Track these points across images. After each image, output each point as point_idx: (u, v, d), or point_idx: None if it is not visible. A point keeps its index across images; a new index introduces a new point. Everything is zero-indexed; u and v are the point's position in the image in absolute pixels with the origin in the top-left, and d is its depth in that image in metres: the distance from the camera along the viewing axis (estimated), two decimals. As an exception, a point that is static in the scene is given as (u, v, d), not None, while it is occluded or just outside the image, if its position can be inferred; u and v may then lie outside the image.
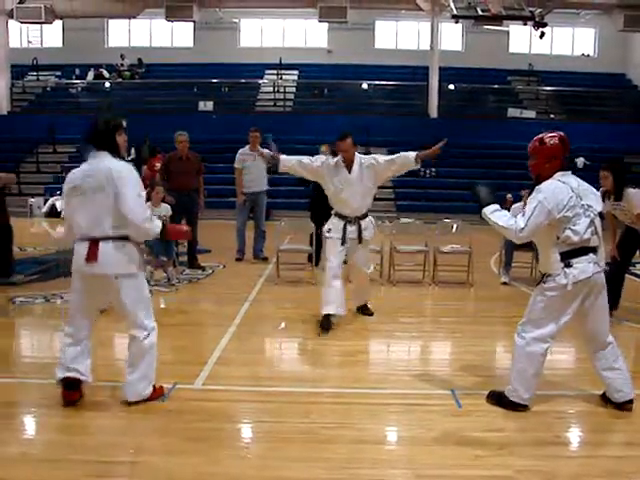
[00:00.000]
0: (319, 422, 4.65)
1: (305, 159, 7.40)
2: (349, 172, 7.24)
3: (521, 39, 26.74)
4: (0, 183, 9.15)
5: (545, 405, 5.07)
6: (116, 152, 4.76)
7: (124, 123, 4.88)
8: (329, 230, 7.33)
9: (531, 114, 24.14)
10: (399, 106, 24.08)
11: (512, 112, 24.04)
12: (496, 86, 25.34)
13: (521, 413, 4.92)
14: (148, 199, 10.39)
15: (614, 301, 7.47)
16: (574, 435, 4.78)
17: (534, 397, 4.97)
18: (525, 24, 19.47)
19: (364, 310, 7.98)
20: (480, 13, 18.66)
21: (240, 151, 11.36)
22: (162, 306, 8.40)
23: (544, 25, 18.67)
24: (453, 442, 4.37)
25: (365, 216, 7.38)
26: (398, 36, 28.43)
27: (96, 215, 4.64)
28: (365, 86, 25.36)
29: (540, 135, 4.96)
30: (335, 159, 7.36)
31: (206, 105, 23.83)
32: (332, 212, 7.40)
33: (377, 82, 24.96)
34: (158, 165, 10.99)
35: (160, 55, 26.88)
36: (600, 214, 4.89)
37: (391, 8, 24.90)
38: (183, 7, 22.17)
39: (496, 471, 3.99)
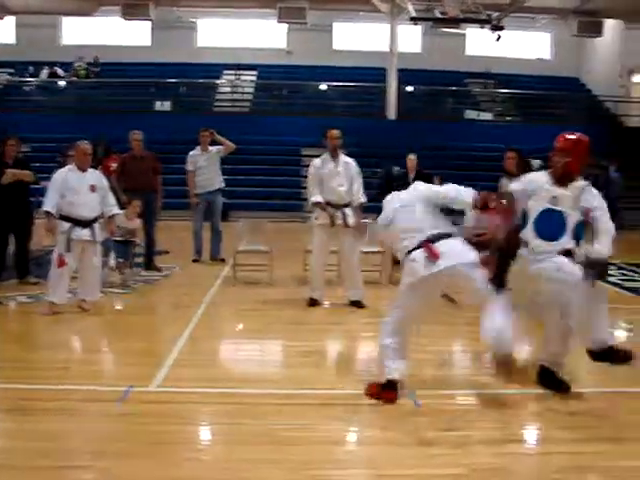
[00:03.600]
0: (277, 424, 4.63)
1: (315, 184, 8.27)
2: (335, 164, 8.25)
3: (478, 42, 27.02)
4: (10, 179, 8.92)
5: (501, 404, 5.12)
6: None
7: None
8: (317, 217, 8.22)
9: (488, 116, 24.40)
10: (357, 107, 24.14)
11: (469, 114, 24.27)
12: (454, 88, 25.55)
13: (477, 412, 4.96)
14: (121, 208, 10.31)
15: None
16: (529, 433, 4.84)
17: (492, 397, 5.02)
18: (482, 27, 19.66)
19: (358, 305, 8.24)
20: (438, 16, 18.81)
21: (191, 153, 11.27)
22: (119, 308, 8.30)
23: (501, 29, 18.87)
24: (411, 441, 4.38)
25: (348, 205, 8.23)
26: (357, 38, 28.52)
27: None
28: (324, 87, 25.38)
29: (567, 134, 5.10)
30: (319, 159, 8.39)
31: (163, 105, 23.62)
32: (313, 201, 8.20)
33: (336, 83, 24.99)
34: (114, 166, 10.87)
35: (116, 54, 26.55)
36: None
37: (350, 10, 24.96)
38: (140, 5, 21.93)
39: (452, 470, 4.01)
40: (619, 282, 10.49)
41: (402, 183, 11.87)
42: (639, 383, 5.61)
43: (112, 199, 8.10)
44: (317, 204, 8.16)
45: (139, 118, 20.14)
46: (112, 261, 9.30)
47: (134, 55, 26.58)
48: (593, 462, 4.14)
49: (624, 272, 11.49)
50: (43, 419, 4.64)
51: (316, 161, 8.38)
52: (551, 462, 4.15)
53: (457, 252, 4.92)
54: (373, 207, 6.93)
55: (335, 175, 8.24)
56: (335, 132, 8.36)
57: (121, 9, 21.95)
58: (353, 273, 8.32)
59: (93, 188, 7.75)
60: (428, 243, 4.92)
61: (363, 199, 8.35)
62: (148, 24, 25.91)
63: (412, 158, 11.57)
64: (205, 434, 4.71)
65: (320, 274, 8.45)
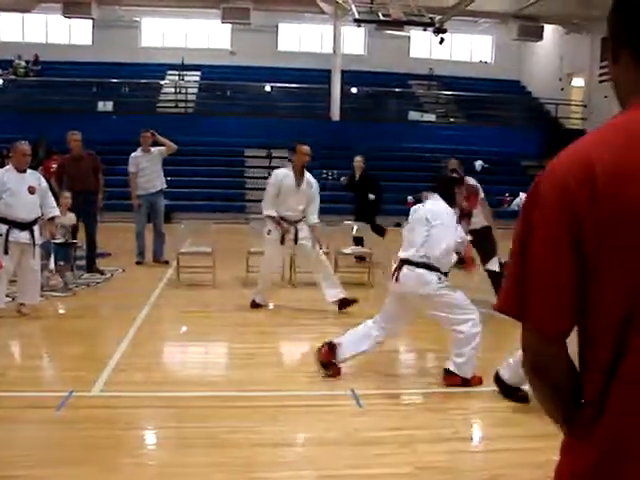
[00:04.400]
0: (219, 426, 4.59)
1: (272, 194, 8.02)
2: (298, 182, 7.97)
3: (422, 44, 27.29)
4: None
5: (445, 402, 5.18)
6: None
7: None
8: (269, 232, 8.01)
9: (431, 118, 24.66)
10: (301, 108, 24.15)
11: (413, 115, 24.48)
12: (397, 90, 25.75)
13: (421, 411, 5.01)
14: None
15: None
16: (474, 430, 4.91)
17: (435, 395, 5.08)
18: (425, 30, 19.85)
19: (346, 304, 8.02)
20: (381, 18, 18.91)
21: (132, 155, 11.10)
22: (60, 312, 8.15)
23: (444, 31, 19.07)
24: (354, 442, 4.39)
25: (300, 221, 8.06)
26: (301, 39, 28.55)
27: None
28: (268, 88, 25.32)
29: None
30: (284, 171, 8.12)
31: (106, 105, 23.25)
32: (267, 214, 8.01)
33: (280, 84, 24.96)
34: (54, 167, 10.67)
35: (57, 52, 26.04)
36: None
37: (294, 11, 24.96)
38: (81, 3, 21.59)
39: (397, 469, 4.04)
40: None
41: (349, 186, 12.00)
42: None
43: (52, 201, 7.94)
44: (271, 218, 7.96)
45: (81, 118, 19.80)
46: (52, 264, 9.12)
47: (75, 54, 26.11)
48: (534, 458, 4.21)
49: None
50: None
51: (279, 172, 8.14)
52: (496, 458, 4.21)
53: (412, 283, 5.31)
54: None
55: (296, 194, 7.96)
56: (306, 148, 8.03)
57: (62, 6, 21.58)
58: (326, 274, 8.14)
59: (32, 189, 7.57)
60: (400, 264, 5.43)
61: (316, 221, 8.12)
62: (89, 23, 25.45)
63: (359, 160, 11.65)
64: (148, 438, 4.65)
65: (269, 282, 8.36)
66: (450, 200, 5.51)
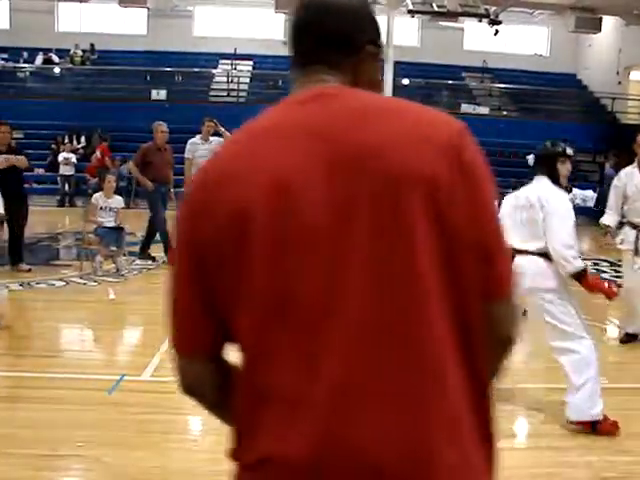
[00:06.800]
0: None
1: None
2: None
3: (476, 36, 26.96)
4: (4, 165, 8.86)
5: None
6: None
7: None
8: None
9: (484, 110, 24.39)
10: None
11: (465, 108, 24.23)
12: (450, 82, 25.52)
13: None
14: (100, 189, 10.31)
15: None
16: (516, 427, 4.84)
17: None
18: (480, 21, 19.62)
19: None
20: (436, 9, 18.75)
21: (191, 141, 11.13)
22: (111, 297, 8.27)
23: (499, 23, 18.84)
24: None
25: None
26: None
27: None
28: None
29: None
30: None
31: (159, 94, 23.52)
32: None
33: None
34: (98, 153, 10.79)
35: (112, 42, 26.40)
36: None
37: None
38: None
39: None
40: (613, 279, 10.48)
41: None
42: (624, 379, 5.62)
43: None
44: None
45: (134, 107, 20.09)
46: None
47: (131, 43, 26.45)
48: (577, 458, 4.15)
49: (617, 269, 11.47)
50: (34, 407, 4.62)
51: None
52: (540, 457, 4.16)
53: None
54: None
55: None
56: None
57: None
58: None
59: None
60: None
61: None
62: (144, 12, 25.73)
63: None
64: (197, 423, 4.69)
65: None
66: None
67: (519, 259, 4.37)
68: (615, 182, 6.79)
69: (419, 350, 1.23)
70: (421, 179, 1.23)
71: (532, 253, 4.50)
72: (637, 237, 6.44)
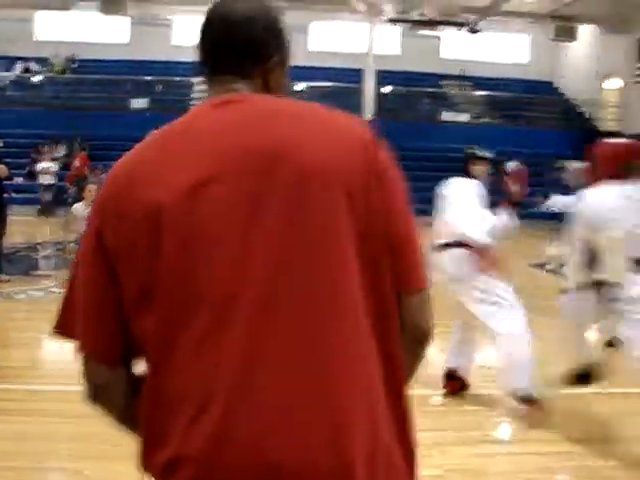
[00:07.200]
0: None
1: None
2: None
3: (454, 44, 27.12)
4: None
5: (474, 404, 5.14)
6: None
7: None
8: None
9: (464, 118, 24.53)
10: (334, 108, 24.08)
11: (446, 116, 24.38)
12: (430, 90, 25.64)
13: (451, 413, 4.98)
14: (79, 198, 10.27)
15: None
16: (503, 433, 4.87)
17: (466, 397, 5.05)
18: (459, 30, 19.79)
19: None
20: (416, 18, 18.89)
21: None
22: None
23: (478, 31, 19.01)
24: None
25: None
26: (333, 38, 28.48)
27: None
28: (300, 87, 25.34)
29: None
30: None
31: (139, 103, 23.45)
32: None
33: (313, 84, 24.95)
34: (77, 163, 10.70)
35: (93, 51, 26.29)
36: None
37: (327, 10, 24.93)
38: (118, 1, 21.77)
39: (426, 471, 3.99)
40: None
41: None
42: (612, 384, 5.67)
43: None
44: None
45: (115, 116, 20.03)
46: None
47: (112, 52, 26.36)
48: (565, 462, 4.17)
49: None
50: (14, 419, 4.57)
51: None
52: (527, 462, 4.18)
53: None
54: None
55: None
56: None
57: (99, 5, 21.78)
58: None
59: None
60: None
61: None
62: (127, 20, 25.66)
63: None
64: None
65: None
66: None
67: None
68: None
69: (326, 347, 1.24)
70: (334, 175, 1.28)
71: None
72: None
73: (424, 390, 5.45)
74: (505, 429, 4.93)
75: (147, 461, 1.32)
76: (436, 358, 6.00)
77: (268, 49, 1.49)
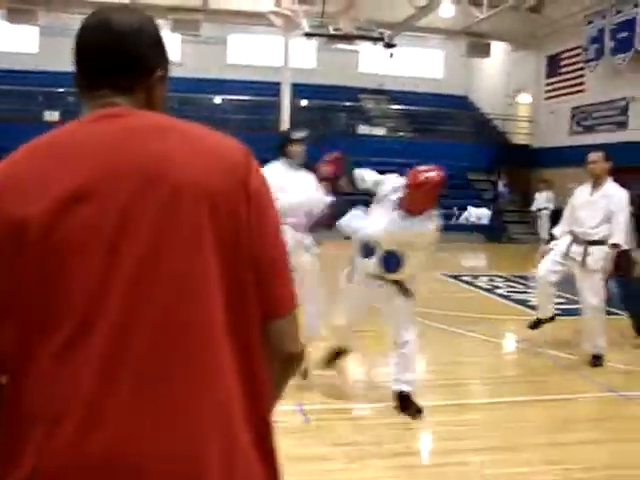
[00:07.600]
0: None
1: None
2: None
3: (372, 59, 27.41)
4: None
5: (394, 418, 5.12)
6: None
7: None
8: None
9: (381, 131, 24.79)
10: (251, 122, 24.01)
11: (362, 129, 24.58)
12: (347, 104, 25.83)
13: (370, 426, 4.95)
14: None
15: None
16: (424, 445, 4.86)
17: (384, 410, 5.03)
18: (375, 44, 19.97)
19: None
20: (332, 32, 18.97)
21: None
22: None
23: (393, 46, 19.22)
24: (302, 458, 4.28)
25: None
26: (251, 51, 28.42)
27: None
28: (218, 101, 25.19)
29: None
30: None
31: (52, 115, 22.83)
32: None
33: (230, 97, 24.83)
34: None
35: (1, 60, 25.50)
36: None
37: (245, 23, 24.88)
38: (27, 10, 21.20)
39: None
40: (507, 294, 10.80)
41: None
42: (531, 392, 5.75)
43: None
44: None
45: (26, 128, 19.40)
46: None
47: (20, 62, 25.61)
48: (484, 471, 4.19)
49: (511, 284, 11.84)
50: None
51: None
52: (448, 473, 4.17)
53: None
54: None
55: None
56: None
57: (6, 13, 21.18)
58: None
59: None
60: None
61: None
62: (36, 30, 25.00)
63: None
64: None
65: None
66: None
67: None
68: (571, 198, 7.00)
69: (188, 357, 1.26)
70: (205, 192, 1.29)
71: None
72: (571, 242, 6.72)
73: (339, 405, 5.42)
74: (426, 441, 4.92)
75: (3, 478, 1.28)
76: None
77: (153, 62, 1.47)
